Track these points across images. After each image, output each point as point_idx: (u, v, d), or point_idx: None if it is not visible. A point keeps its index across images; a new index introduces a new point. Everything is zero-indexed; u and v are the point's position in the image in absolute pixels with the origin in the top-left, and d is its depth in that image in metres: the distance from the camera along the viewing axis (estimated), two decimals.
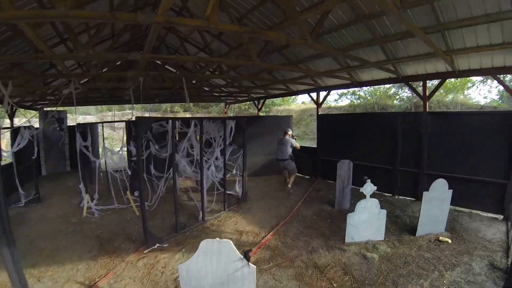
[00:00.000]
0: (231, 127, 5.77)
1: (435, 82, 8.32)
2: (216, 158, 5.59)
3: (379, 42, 4.71)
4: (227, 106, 14.13)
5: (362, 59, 4.71)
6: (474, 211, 4.82)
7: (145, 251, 3.81)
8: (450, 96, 15.72)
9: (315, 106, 8.39)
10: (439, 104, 14.68)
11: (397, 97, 18.76)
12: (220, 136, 5.56)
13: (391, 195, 6.09)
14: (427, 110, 5.60)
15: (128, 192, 5.77)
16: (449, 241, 3.88)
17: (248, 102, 20.77)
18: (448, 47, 4.39)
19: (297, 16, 3.48)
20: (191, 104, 21.35)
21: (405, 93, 18.07)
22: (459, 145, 5.03)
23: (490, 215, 4.72)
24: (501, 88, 14.91)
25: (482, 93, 21.20)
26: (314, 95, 8.33)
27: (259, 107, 11.72)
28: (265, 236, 4.29)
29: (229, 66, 6.66)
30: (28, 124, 5.67)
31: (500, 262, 3.34)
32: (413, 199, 5.72)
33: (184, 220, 4.92)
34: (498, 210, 4.64)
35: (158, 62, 9.67)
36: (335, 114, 14.05)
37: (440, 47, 4.36)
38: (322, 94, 8.18)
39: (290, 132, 6.92)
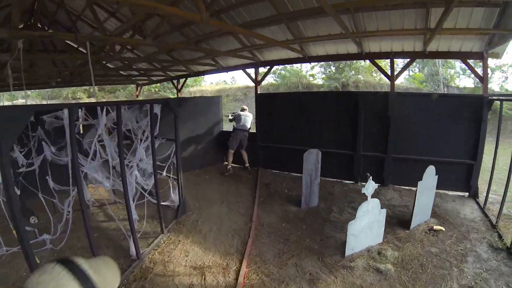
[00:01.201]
0: (156, 114, 4.12)
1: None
2: (140, 160, 3.94)
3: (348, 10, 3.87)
4: (139, 88, 11.79)
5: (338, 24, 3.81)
6: (441, 191, 4.78)
7: None
8: (375, 76, 16.40)
9: (230, 86, 7.40)
10: (366, 84, 15.64)
11: (322, 76, 18.63)
12: (143, 129, 3.95)
13: (353, 182, 5.67)
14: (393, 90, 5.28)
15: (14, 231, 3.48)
16: (443, 229, 3.59)
17: (157, 84, 17.91)
18: (426, 25, 3.95)
19: None
20: (96, 88, 17.40)
21: (330, 72, 18.13)
22: (425, 127, 4.89)
23: (456, 193, 4.80)
24: (410, 72, 17.29)
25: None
26: (251, 71, 7.10)
27: (179, 87, 9.93)
28: (239, 269, 3.01)
29: (157, 28, 4.63)
30: None
31: (496, 242, 3.29)
32: (378, 184, 5.41)
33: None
34: (463, 188, 4.78)
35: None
36: (279, 93, 12.96)
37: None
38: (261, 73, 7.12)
39: (246, 108, 7.18)
